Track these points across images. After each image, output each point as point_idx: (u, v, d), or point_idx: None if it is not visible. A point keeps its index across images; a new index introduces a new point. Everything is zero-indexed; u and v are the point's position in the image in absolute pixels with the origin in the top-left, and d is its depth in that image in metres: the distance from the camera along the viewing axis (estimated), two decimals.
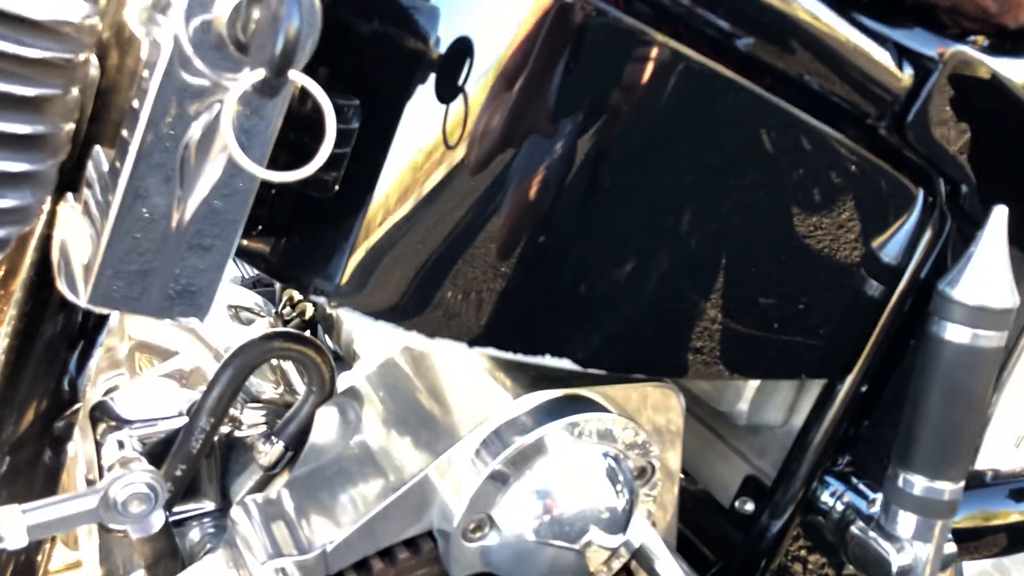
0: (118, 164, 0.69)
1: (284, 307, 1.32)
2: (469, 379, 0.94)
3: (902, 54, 0.86)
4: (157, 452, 0.97)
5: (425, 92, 0.75)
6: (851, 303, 0.96)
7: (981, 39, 0.94)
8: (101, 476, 0.93)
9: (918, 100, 0.88)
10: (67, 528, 0.86)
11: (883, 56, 0.85)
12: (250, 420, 1.04)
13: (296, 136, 0.75)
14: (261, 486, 1.03)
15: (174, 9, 0.63)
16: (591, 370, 0.86)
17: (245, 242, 0.82)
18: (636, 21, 0.75)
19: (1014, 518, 1.28)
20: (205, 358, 1.16)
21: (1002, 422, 1.54)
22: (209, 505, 1.04)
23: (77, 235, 0.77)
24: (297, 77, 0.61)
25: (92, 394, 1.08)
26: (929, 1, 0.86)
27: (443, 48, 0.74)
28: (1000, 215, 0.91)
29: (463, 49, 0.74)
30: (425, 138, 0.75)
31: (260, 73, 0.59)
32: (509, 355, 0.82)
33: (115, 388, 1.11)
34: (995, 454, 1.56)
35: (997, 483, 1.31)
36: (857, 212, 0.91)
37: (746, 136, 0.82)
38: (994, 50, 0.94)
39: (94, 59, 0.87)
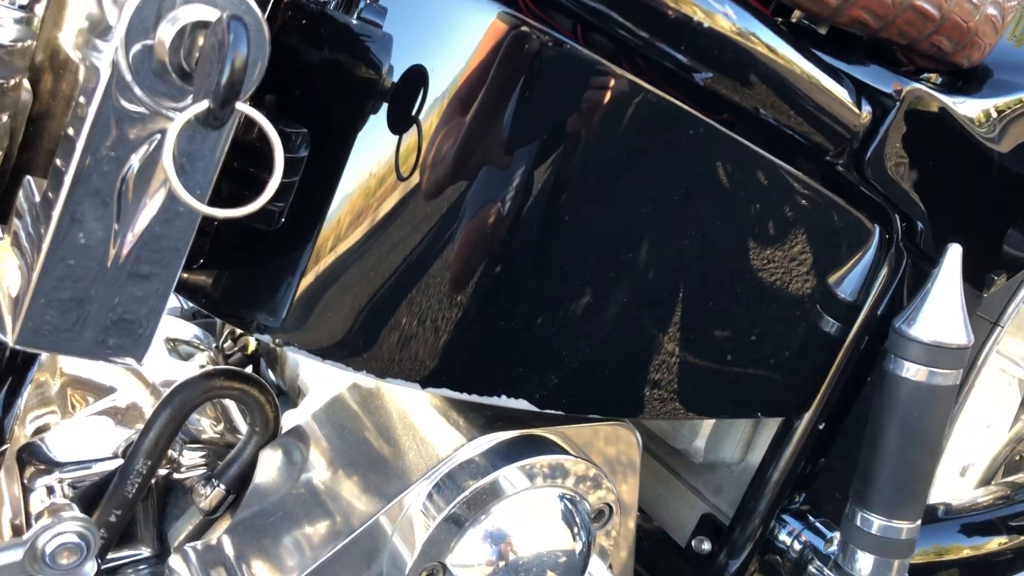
0: (51, 195, 0.65)
1: (225, 340, 1.27)
2: (421, 418, 0.91)
3: (860, 91, 0.86)
4: (90, 496, 0.92)
5: (377, 121, 0.72)
6: (808, 340, 0.96)
7: (935, 76, 0.95)
8: (28, 523, 0.87)
9: (876, 137, 0.87)
10: None
11: (842, 93, 0.84)
12: (189, 461, 0.99)
13: (240, 164, 0.72)
14: (200, 531, 0.98)
15: (114, 33, 0.60)
16: (548, 411, 0.84)
17: (185, 275, 0.79)
18: (592, 53, 0.73)
19: (966, 553, 1.28)
20: (142, 394, 1.11)
21: (949, 452, 1.56)
22: (145, 551, 0.99)
23: (5, 267, 0.73)
24: (244, 109, 0.58)
25: (20, 434, 1.03)
26: (886, 38, 0.85)
27: (396, 77, 0.72)
28: (955, 253, 0.91)
29: (416, 78, 0.72)
30: (376, 169, 0.73)
31: (204, 104, 0.55)
32: (464, 396, 0.79)
33: (45, 428, 1.05)
34: (942, 484, 1.57)
35: (949, 518, 1.31)
36: (815, 250, 0.90)
37: (703, 173, 0.81)
38: (947, 88, 0.95)
39: (26, 83, 0.83)
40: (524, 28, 0.70)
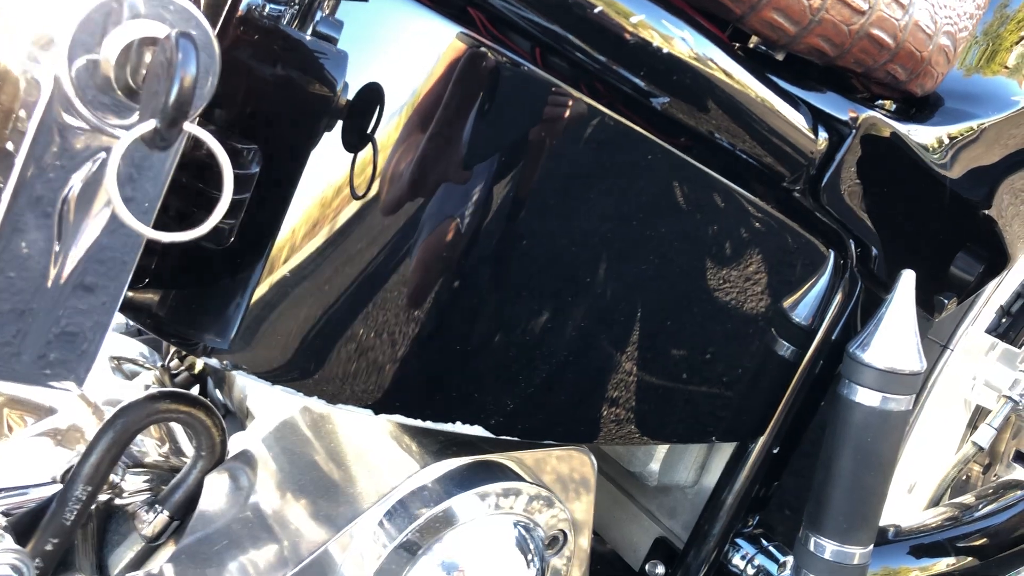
0: None
1: (171, 359, 1.24)
2: (373, 444, 0.89)
3: (816, 117, 0.86)
4: (25, 524, 0.88)
5: (330, 139, 0.71)
6: (763, 365, 0.96)
7: (889, 103, 0.96)
8: None
9: (832, 164, 0.88)
10: None
11: (798, 119, 0.84)
12: (132, 486, 0.96)
13: (189, 181, 0.70)
14: (142, 559, 0.95)
15: (57, 46, 0.58)
16: (503, 437, 0.83)
17: (130, 294, 0.76)
18: (549, 75, 0.73)
19: (915, 575, 1.29)
20: (83, 415, 1.07)
21: (898, 471, 1.57)
22: None
23: None
24: (192, 129, 0.56)
25: None
26: (842, 66, 0.86)
27: (350, 94, 0.70)
28: (908, 279, 0.92)
29: (371, 95, 0.70)
30: (329, 188, 0.71)
31: (151, 124, 0.53)
32: (418, 423, 0.78)
33: None
34: (890, 500, 1.59)
35: (899, 540, 1.32)
36: (770, 275, 0.90)
37: (660, 197, 0.80)
38: (901, 115, 0.96)
39: None
40: (481, 49, 0.69)
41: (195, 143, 0.70)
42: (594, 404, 0.86)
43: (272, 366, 0.74)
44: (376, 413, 0.76)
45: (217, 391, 1.22)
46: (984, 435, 1.56)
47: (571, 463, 0.93)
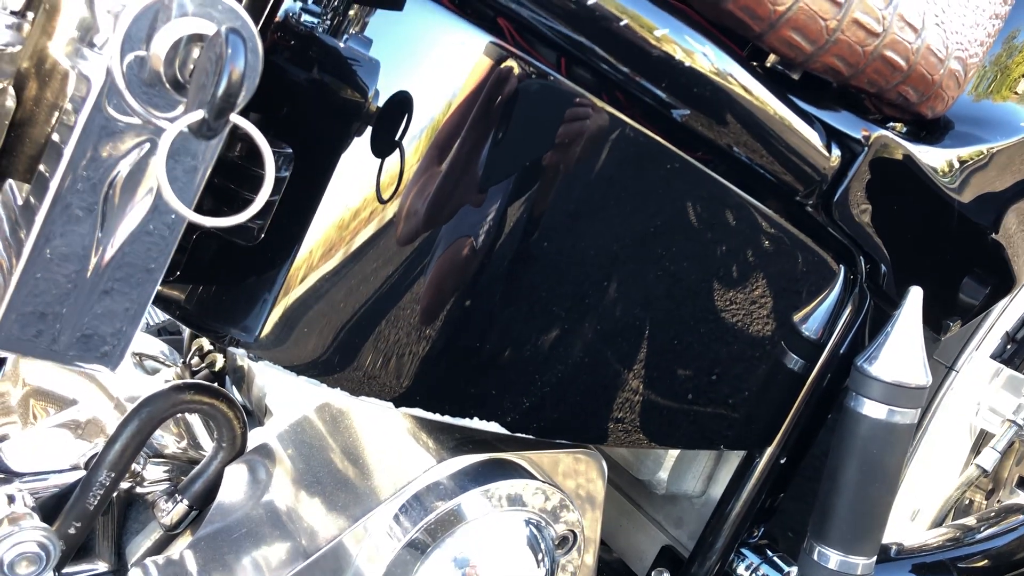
0: (34, 201, 0.65)
1: (192, 357, 1.26)
2: (389, 439, 0.91)
3: (830, 135, 0.89)
4: (50, 507, 0.91)
5: (360, 144, 0.73)
6: (772, 376, 0.97)
7: (900, 125, 0.98)
8: None
9: (845, 180, 0.90)
10: None
11: (813, 136, 0.87)
12: (152, 476, 0.98)
13: (221, 181, 0.73)
14: (161, 547, 0.97)
15: (109, 42, 0.60)
16: (518, 434, 0.85)
17: (160, 287, 0.78)
18: (575, 86, 0.75)
19: None
20: (105, 408, 1.09)
21: (901, 494, 1.58)
22: (102, 566, 0.97)
23: None
24: (238, 120, 0.59)
25: None
26: (855, 86, 0.88)
27: (381, 102, 0.73)
28: (916, 296, 0.94)
29: (402, 104, 0.73)
30: (358, 191, 0.74)
31: (199, 114, 0.56)
32: (436, 417, 0.80)
33: (5, 437, 1.04)
34: (892, 526, 1.60)
35: (901, 558, 1.33)
36: (782, 287, 0.92)
37: (678, 207, 0.83)
38: (912, 137, 0.98)
39: (11, 89, 0.82)
40: (512, 59, 0.72)
41: (229, 144, 0.73)
42: (607, 407, 0.88)
43: (297, 358, 0.77)
44: (397, 406, 0.78)
45: (236, 390, 1.24)
46: (988, 458, 1.57)
47: (581, 465, 0.94)
